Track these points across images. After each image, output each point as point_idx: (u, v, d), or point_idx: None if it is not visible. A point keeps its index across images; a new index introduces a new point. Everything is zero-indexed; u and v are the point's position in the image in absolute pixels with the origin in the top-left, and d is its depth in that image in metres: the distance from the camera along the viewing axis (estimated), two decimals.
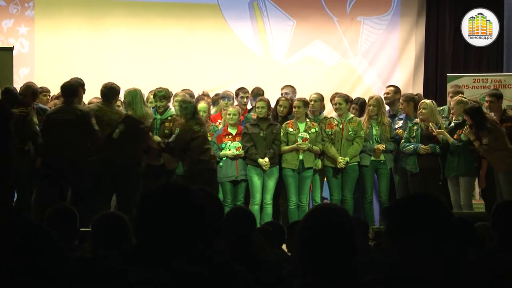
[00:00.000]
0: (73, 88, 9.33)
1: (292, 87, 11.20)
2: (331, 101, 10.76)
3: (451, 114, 10.29)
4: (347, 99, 10.58)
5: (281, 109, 10.48)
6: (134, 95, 9.38)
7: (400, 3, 13.28)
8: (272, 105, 10.55)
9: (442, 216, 2.79)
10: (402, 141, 10.27)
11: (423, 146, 10.05)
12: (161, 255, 2.56)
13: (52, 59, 12.09)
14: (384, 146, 10.44)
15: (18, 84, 11.06)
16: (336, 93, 10.82)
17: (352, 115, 10.54)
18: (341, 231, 2.81)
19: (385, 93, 11.07)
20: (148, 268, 2.54)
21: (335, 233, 2.80)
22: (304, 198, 10.27)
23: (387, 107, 10.93)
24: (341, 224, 2.84)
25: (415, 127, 10.18)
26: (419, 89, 12.81)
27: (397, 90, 11.14)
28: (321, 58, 13.18)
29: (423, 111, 10.09)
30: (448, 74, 11.80)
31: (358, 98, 11.26)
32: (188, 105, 9.62)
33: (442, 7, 13.41)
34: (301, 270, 2.81)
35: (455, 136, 9.97)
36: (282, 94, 10.97)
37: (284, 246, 6.52)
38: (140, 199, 2.68)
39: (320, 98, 10.77)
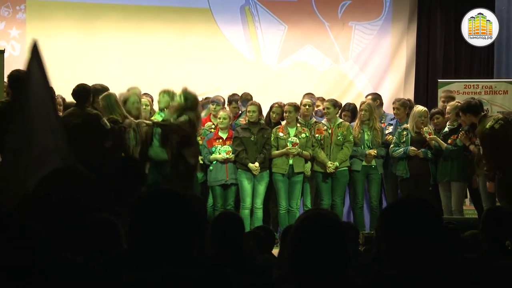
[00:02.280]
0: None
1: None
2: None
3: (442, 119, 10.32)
4: (335, 104, 10.59)
5: (274, 115, 10.49)
6: (108, 99, 9.36)
7: (391, 8, 13.32)
8: (264, 109, 10.58)
9: (434, 219, 2.81)
10: (391, 145, 10.28)
11: (413, 148, 10.05)
12: (154, 258, 2.57)
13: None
14: (375, 151, 10.44)
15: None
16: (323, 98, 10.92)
17: (341, 120, 10.56)
18: (333, 237, 2.82)
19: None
20: (142, 271, 2.54)
21: (328, 238, 2.81)
22: (294, 203, 10.28)
23: None
24: (334, 229, 2.84)
25: (405, 132, 10.20)
26: (410, 94, 12.84)
27: (376, 97, 11.18)
28: (312, 63, 13.20)
29: (424, 119, 10.13)
30: (439, 80, 11.82)
31: (349, 104, 11.26)
32: (193, 97, 9.63)
33: (433, 13, 13.45)
34: (293, 275, 2.82)
35: (449, 141, 9.97)
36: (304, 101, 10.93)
37: (274, 251, 6.53)
38: (135, 203, 2.68)
39: (313, 103, 10.82)
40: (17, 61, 12.15)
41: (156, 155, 9.67)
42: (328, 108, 10.48)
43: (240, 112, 11.00)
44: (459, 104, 10.06)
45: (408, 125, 10.22)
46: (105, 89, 9.62)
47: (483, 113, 9.60)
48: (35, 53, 6.94)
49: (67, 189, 4.34)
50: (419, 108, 10.33)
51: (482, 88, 11.22)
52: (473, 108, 9.66)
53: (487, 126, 9.45)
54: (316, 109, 11.06)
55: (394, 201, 3.09)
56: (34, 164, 6.57)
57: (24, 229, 2.63)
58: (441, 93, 11.02)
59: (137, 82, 11.32)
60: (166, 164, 9.67)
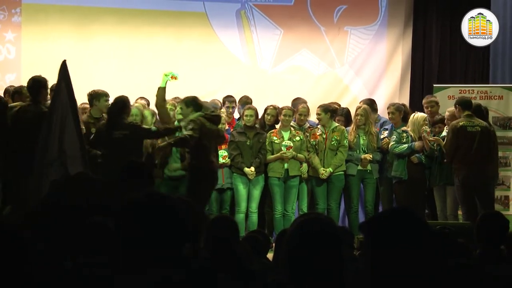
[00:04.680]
0: None
1: (302, 99, 11.31)
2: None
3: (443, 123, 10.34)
4: (326, 109, 10.56)
5: (269, 117, 10.52)
6: None
7: (387, 13, 13.33)
8: (260, 113, 10.60)
9: (417, 227, 2.81)
10: (392, 143, 10.22)
11: (418, 143, 10.03)
12: (144, 262, 2.56)
13: (38, 65, 12.00)
14: (371, 156, 10.45)
15: (3, 90, 11.05)
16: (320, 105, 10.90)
17: (336, 124, 10.56)
18: (328, 241, 2.82)
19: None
20: (132, 274, 2.54)
21: (323, 243, 2.81)
22: (289, 207, 10.27)
23: None
24: (329, 234, 2.84)
25: (405, 135, 10.18)
26: (405, 99, 12.84)
27: (369, 102, 11.15)
28: (308, 68, 13.19)
29: (426, 124, 10.16)
30: (434, 85, 11.83)
31: (342, 109, 11.27)
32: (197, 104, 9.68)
33: (429, 18, 13.46)
34: (288, 280, 2.81)
35: None
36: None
37: (269, 255, 6.52)
38: (123, 208, 2.68)
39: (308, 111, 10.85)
40: (12, 64, 12.17)
41: (172, 171, 9.74)
42: (319, 114, 10.51)
43: (239, 115, 11.01)
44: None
45: (406, 128, 10.22)
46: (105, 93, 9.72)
47: (469, 113, 9.71)
48: (63, 73, 7.52)
49: (75, 194, 4.38)
50: (421, 114, 10.32)
51: (477, 93, 11.22)
52: (462, 103, 9.80)
53: (460, 123, 9.61)
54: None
55: (373, 216, 3.08)
56: (48, 174, 7.02)
57: (19, 238, 2.63)
58: (425, 99, 10.95)
59: (133, 86, 11.37)
60: (183, 180, 9.72)
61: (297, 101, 11.15)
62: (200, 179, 9.37)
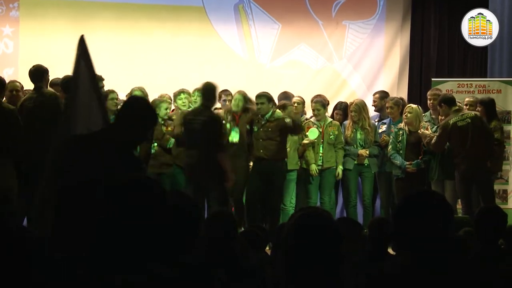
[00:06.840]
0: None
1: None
2: (311, 103, 10.80)
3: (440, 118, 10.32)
4: (324, 104, 10.61)
5: None
6: None
7: (385, 8, 13.31)
8: None
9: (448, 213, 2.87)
10: (389, 147, 10.23)
11: (408, 167, 10.00)
12: (137, 259, 2.54)
13: (36, 60, 11.93)
14: (367, 151, 10.45)
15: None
16: (314, 96, 10.85)
17: (330, 119, 10.59)
18: (327, 236, 2.81)
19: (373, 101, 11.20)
20: (125, 271, 2.52)
21: (321, 237, 2.80)
22: (287, 201, 10.26)
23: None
24: (327, 227, 2.83)
25: (401, 132, 10.18)
26: (403, 93, 12.83)
27: (383, 95, 11.20)
28: (306, 62, 13.18)
29: (408, 115, 10.12)
30: (432, 79, 11.83)
31: (341, 103, 11.28)
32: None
33: (427, 12, 13.45)
34: (286, 274, 2.81)
35: None
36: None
37: (267, 249, 6.52)
38: (112, 200, 2.65)
39: (302, 101, 10.82)
40: (10, 58, 12.15)
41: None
42: (318, 109, 10.50)
43: None
44: (460, 103, 10.07)
45: (402, 124, 10.23)
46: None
47: (456, 107, 9.75)
48: (82, 50, 6.62)
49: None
50: (408, 105, 10.44)
51: (476, 87, 11.21)
52: (447, 100, 9.82)
53: (451, 121, 9.63)
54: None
55: (412, 193, 3.10)
56: None
57: (20, 234, 2.62)
58: (429, 92, 10.97)
59: (131, 81, 11.33)
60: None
61: (284, 95, 11.12)
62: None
